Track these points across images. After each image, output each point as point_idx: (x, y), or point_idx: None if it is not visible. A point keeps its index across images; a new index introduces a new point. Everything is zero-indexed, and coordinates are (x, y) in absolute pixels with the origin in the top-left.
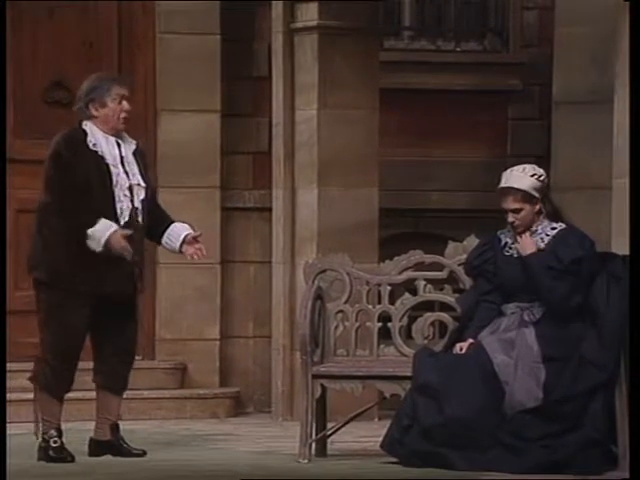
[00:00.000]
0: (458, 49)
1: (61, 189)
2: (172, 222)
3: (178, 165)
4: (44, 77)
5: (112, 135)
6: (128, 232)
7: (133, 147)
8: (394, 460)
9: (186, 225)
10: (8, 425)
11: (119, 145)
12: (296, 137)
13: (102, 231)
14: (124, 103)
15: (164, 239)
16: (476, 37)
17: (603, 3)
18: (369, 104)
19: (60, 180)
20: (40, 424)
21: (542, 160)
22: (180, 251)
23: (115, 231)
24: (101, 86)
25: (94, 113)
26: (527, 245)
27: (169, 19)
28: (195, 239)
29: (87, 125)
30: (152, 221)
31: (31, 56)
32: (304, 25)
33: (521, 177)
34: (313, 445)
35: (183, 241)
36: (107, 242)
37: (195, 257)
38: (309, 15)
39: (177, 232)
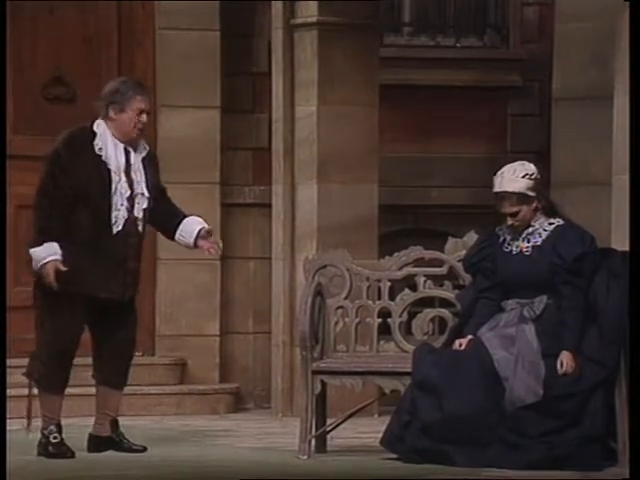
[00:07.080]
0: (458, 45)
1: (54, 189)
2: (184, 217)
3: (178, 161)
4: (44, 73)
5: (123, 142)
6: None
7: (144, 153)
8: (394, 456)
9: (199, 219)
10: (8, 421)
11: (127, 153)
12: (296, 133)
13: (41, 256)
14: (143, 116)
15: (177, 235)
16: (476, 33)
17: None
18: (369, 100)
19: (54, 180)
20: (31, 420)
21: (542, 156)
22: (195, 245)
23: (48, 262)
24: (126, 92)
25: (112, 116)
26: None
27: (169, 15)
28: (209, 233)
29: (100, 126)
30: (164, 218)
31: (31, 52)
32: (304, 21)
33: (513, 180)
34: (313, 441)
35: (197, 236)
36: (42, 268)
37: (212, 252)
38: (309, 11)
39: (190, 227)
